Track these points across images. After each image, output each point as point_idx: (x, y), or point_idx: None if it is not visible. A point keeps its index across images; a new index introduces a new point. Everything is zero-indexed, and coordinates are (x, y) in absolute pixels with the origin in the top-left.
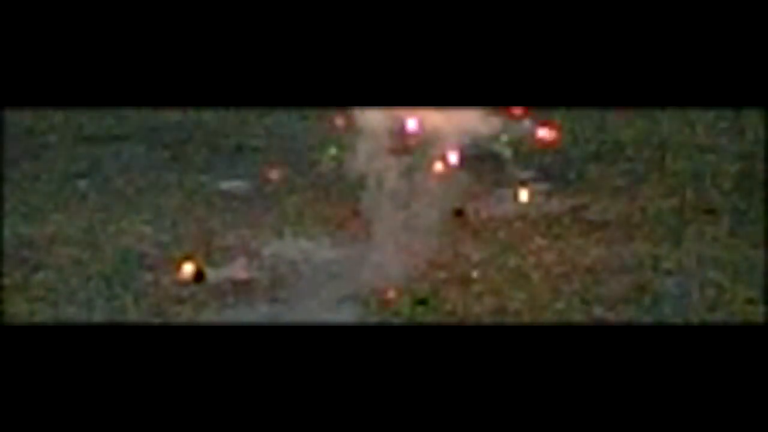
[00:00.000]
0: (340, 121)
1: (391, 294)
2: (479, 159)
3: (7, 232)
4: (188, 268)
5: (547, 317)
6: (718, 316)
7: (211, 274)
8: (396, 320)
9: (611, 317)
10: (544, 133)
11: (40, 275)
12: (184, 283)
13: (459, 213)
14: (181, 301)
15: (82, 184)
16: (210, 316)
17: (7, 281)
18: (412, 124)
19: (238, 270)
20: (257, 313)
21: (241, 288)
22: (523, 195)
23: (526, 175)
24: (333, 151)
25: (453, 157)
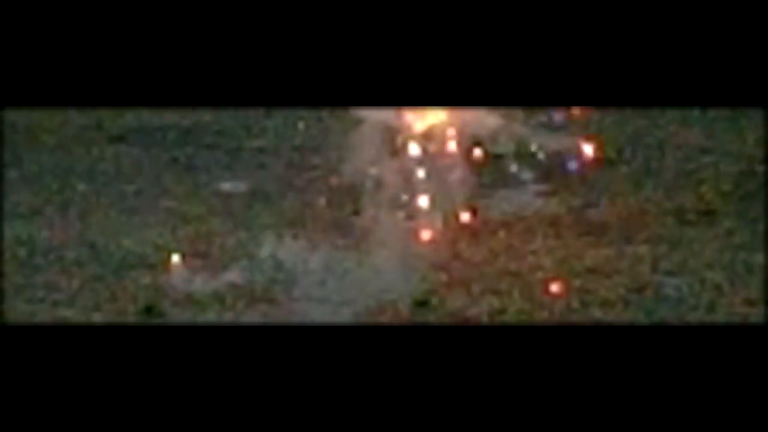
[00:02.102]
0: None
1: (391, 296)
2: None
3: (6, 234)
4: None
5: (547, 318)
6: (717, 317)
7: (209, 276)
8: (395, 321)
9: (610, 318)
10: (588, 149)
11: (39, 276)
12: (180, 285)
13: (472, 211)
14: (178, 302)
15: (81, 185)
16: (208, 317)
17: (6, 282)
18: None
19: (236, 272)
20: (255, 314)
21: (239, 289)
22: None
23: (526, 176)
24: None
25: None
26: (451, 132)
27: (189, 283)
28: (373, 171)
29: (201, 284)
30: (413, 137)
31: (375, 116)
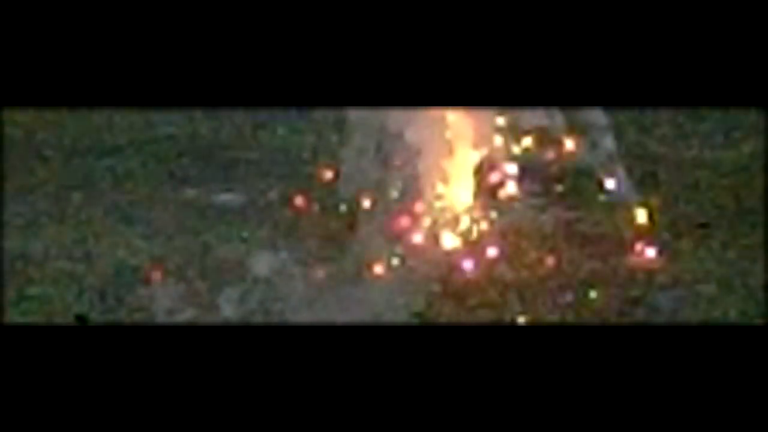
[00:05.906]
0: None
1: (387, 308)
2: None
3: (2, 245)
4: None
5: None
6: None
7: (204, 288)
8: None
9: None
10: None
11: (34, 289)
12: (173, 295)
13: (469, 223)
14: (174, 312)
15: (77, 197)
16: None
17: (2, 295)
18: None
19: (231, 284)
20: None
21: (234, 302)
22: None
23: (522, 188)
24: None
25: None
26: (449, 143)
27: (183, 293)
28: (368, 183)
29: (194, 296)
30: (410, 149)
31: (371, 126)
